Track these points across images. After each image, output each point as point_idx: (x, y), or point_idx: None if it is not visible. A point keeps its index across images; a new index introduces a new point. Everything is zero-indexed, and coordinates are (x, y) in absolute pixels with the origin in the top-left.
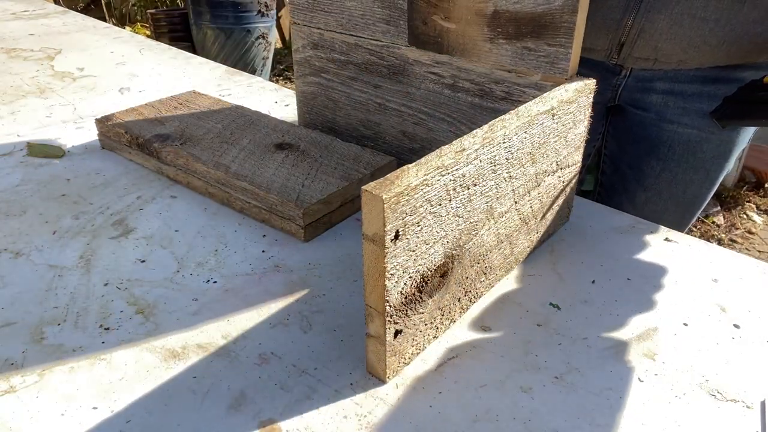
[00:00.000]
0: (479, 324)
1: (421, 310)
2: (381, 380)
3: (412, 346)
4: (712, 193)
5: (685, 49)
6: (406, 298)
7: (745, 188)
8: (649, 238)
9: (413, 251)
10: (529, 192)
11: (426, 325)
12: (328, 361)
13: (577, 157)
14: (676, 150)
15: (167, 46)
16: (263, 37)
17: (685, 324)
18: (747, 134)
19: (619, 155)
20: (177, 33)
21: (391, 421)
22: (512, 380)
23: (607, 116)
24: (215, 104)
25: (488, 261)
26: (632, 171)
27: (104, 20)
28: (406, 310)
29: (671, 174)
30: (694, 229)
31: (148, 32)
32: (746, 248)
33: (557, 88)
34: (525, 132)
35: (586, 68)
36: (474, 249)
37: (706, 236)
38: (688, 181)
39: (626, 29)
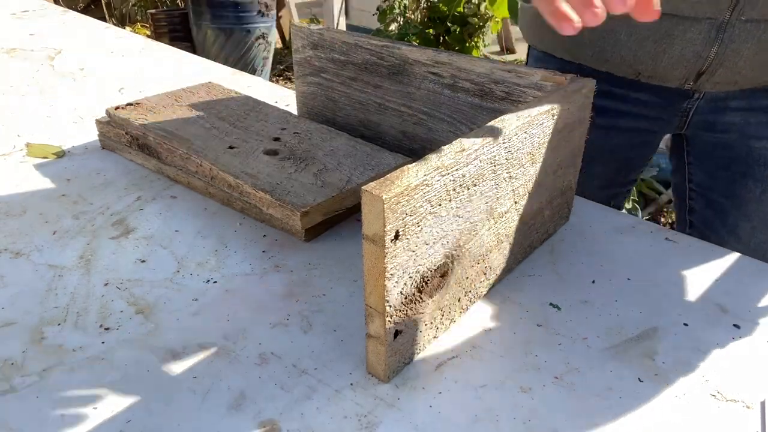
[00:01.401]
0: (479, 324)
1: (421, 311)
2: (381, 380)
3: (412, 346)
4: None
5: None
6: (406, 298)
7: None
8: (649, 238)
9: (413, 251)
10: (529, 192)
11: (426, 325)
12: (328, 361)
13: (578, 158)
14: (756, 168)
15: (167, 46)
16: (263, 37)
17: (685, 324)
18: None
19: (710, 185)
20: (177, 33)
21: (391, 421)
22: (512, 380)
23: (682, 146)
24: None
25: (488, 261)
26: (729, 200)
27: (104, 20)
28: (406, 311)
29: (753, 195)
30: None
31: (148, 32)
32: None
33: (557, 88)
34: (525, 132)
35: (649, 94)
36: (474, 249)
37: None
38: None
39: (707, 61)
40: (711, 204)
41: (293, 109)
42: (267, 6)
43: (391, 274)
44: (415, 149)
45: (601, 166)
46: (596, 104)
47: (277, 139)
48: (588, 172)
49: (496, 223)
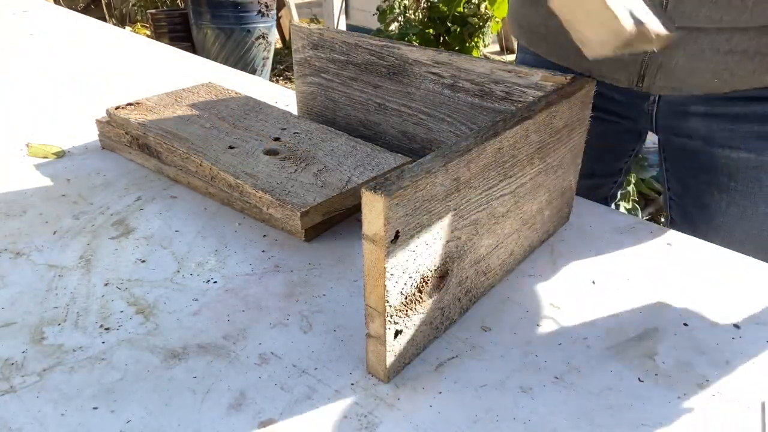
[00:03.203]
0: (479, 324)
1: (421, 310)
2: (381, 380)
3: (412, 346)
4: None
5: (709, 81)
6: (406, 298)
7: None
8: (649, 238)
9: (413, 251)
10: (529, 192)
11: (426, 325)
12: (328, 361)
13: (578, 158)
14: (738, 178)
15: (167, 46)
16: (263, 37)
17: (685, 324)
18: None
19: (682, 194)
20: (177, 33)
21: (392, 421)
22: (512, 380)
23: (661, 152)
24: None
25: (488, 261)
26: (699, 211)
27: (104, 20)
28: (406, 311)
29: (740, 208)
30: None
31: (148, 32)
32: None
33: (558, 88)
34: (525, 132)
35: (614, 91)
36: (474, 249)
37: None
38: (762, 215)
39: (643, 65)
40: (685, 215)
41: (293, 109)
42: (267, 6)
43: (391, 274)
44: (415, 149)
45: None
46: None
47: (277, 139)
48: None
49: (496, 223)
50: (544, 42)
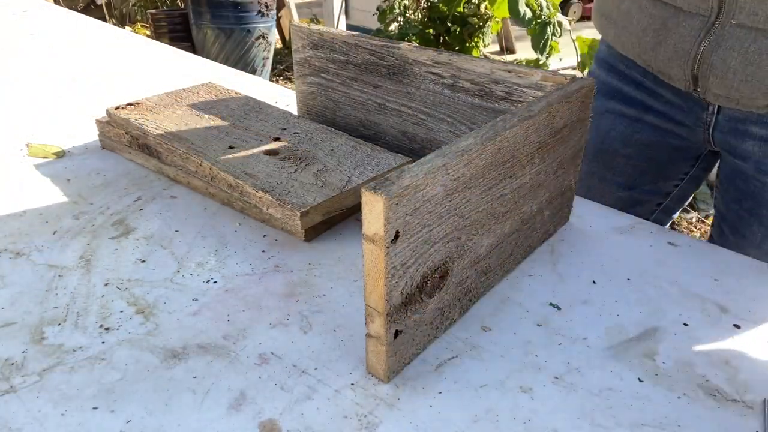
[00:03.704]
0: (479, 324)
1: (421, 311)
2: (381, 380)
3: (412, 346)
4: None
5: (766, 94)
6: (406, 298)
7: None
8: (649, 238)
9: (413, 251)
10: (529, 192)
11: (426, 325)
12: (328, 361)
13: (578, 158)
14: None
15: (167, 46)
16: (263, 37)
17: (685, 324)
18: None
19: (725, 216)
20: (177, 33)
21: (391, 421)
22: (512, 380)
23: (718, 168)
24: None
25: (488, 261)
26: (735, 238)
27: (104, 20)
28: (407, 311)
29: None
30: (694, 229)
31: (148, 32)
32: None
33: (557, 88)
34: (525, 132)
35: (672, 93)
36: (474, 249)
37: (706, 236)
38: None
39: (697, 62)
40: (722, 236)
41: (293, 109)
42: (267, 6)
43: (391, 274)
44: (415, 149)
45: (624, 159)
46: (626, 93)
47: (277, 139)
48: (608, 165)
49: (496, 223)
50: (614, 27)
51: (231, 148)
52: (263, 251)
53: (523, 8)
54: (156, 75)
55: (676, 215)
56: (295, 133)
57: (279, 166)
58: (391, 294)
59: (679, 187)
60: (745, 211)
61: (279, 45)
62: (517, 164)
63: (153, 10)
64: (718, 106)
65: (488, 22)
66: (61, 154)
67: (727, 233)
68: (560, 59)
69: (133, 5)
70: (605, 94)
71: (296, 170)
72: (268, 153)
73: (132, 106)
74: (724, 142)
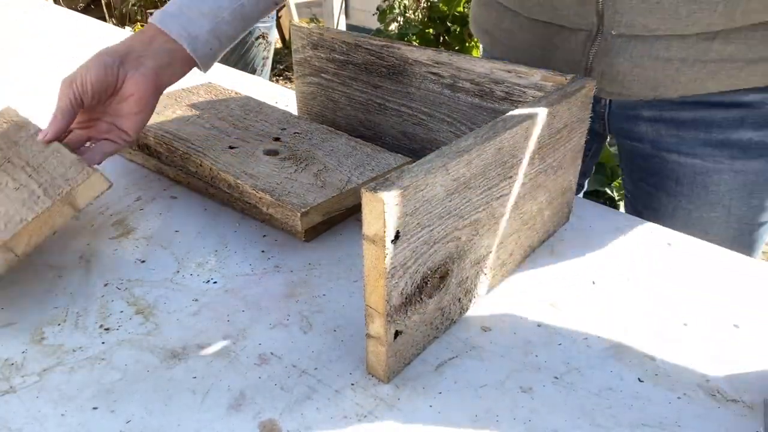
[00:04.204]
0: (479, 324)
1: (421, 311)
2: (381, 380)
3: (412, 346)
4: (756, 234)
5: (654, 87)
6: (406, 298)
7: None
8: (649, 238)
9: (413, 252)
10: (529, 192)
11: (426, 325)
12: (328, 361)
13: (578, 157)
14: (684, 183)
15: None
16: (263, 37)
17: (685, 324)
18: None
19: (635, 194)
20: None
21: (391, 422)
22: (512, 380)
23: (618, 152)
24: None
25: (488, 261)
26: (648, 212)
27: (104, 20)
28: (407, 311)
29: (685, 212)
30: None
31: None
32: None
33: (557, 88)
34: (525, 132)
35: None
36: (474, 249)
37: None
38: (707, 220)
39: (588, 71)
40: (636, 213)
41: (293, 109)
42: None
43: (392, 275)
44: (415, 149)
45: None
46: None
47: (277, 139)
48: None
49: (496, 223)
50: (499, 45)
51: (231, 148)
52: (263, 251)
53: None
54: None
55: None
56: (295, 133)
57: (279, 167)
58: (391, 294)
59: (584, 162)
60: (651, 187)
61: (279, 45)
62: (517, 164)
63: (153, 10)
64: (609, 99)
65: None
66: None
67: (641, 209)
68: None
69: (133, 5)
70: None
71: (296, 170)
72: (268, 153)
73: None
74: (619, 129)
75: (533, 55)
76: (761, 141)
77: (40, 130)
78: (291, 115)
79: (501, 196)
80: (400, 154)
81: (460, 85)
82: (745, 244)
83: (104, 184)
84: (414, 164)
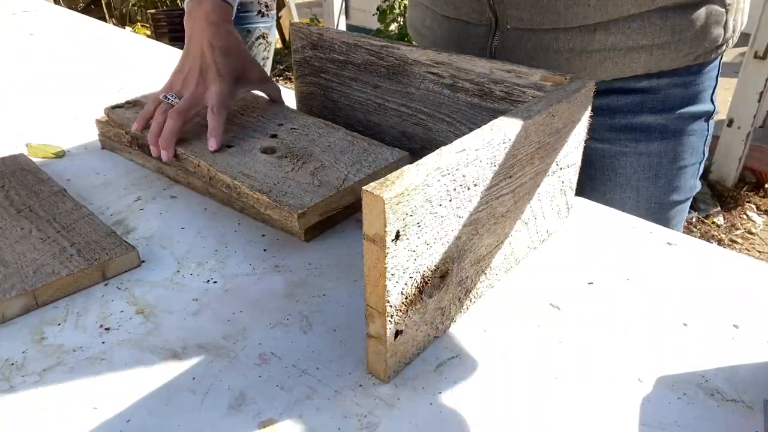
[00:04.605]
0: (479, 324)
1: (421, 311)
2: (381, 380)
3: (413, 346)
4: (670, 213)
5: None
6: (406, 298)
7: (744, 189)
8: (649, 238)
9: (414, 251)
10: (529, 192)
11: (426, 325)
12: (328, 361)
13: (577, 157)
14: (596, 167)
15: (167, 46)
16: (263, 37)
17: (685, 324)
18: (687, 145)
19: None
20: (177, 33)
21: (391, 421)
22: (512, 380)
23: None
24: None
25: (488, 261)
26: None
27: (104, 20)
28: (407, 311)
29: (600, 194)
30: (693, 229)
31: (148, 32)
32: (746, 248)
33: (557, 88)
34: (525, 132)
35: None
36: (474, 249)
37: (706, 236)
38: (619, 201)
39: (490, 53)
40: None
41: None
42: (267, 6)
43: (392, 274)
44: (414, 149)
45: None
46: None
47: (274, 136)
48: None
49: (496, 223)
50: (425, 40)
51: (228, 146)
52: (263, 251)
53: None
54: (156, 75)
55: None
56: (291, 128)
57: (276, 165)
58: (391, 294)
59: None
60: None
61: (279, 45)
62: (517, 164)
63: (153, 10)
64: None
65: None
66: (61, 154)
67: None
68: None
69: (133, 5)
70: None
71: (293, 169)
72: (265, 151)
73: (130, 104)
74: None
75: (450, 49)
76: (660, 124)
77: (63, 189)
78: (288, 108)
79: (501, 195)
80: (397, 148)
81: (460, 85)
82: (660, 223)
83: (136, 261)
84: (414, 164)
